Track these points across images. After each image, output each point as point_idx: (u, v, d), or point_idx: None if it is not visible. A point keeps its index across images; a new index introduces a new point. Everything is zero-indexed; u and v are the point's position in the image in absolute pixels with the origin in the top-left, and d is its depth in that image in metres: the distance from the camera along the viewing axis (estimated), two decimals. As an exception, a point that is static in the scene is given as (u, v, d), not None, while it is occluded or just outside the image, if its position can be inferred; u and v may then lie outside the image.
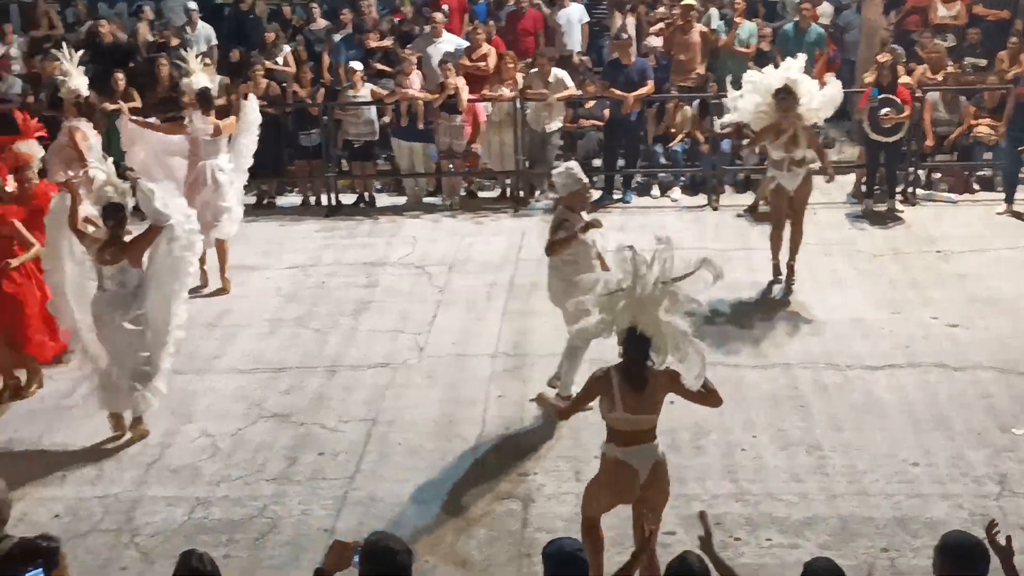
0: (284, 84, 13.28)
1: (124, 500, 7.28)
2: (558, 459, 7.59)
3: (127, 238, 7.79)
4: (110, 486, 7.46)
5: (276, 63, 13.75)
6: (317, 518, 7.03)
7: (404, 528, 6.65)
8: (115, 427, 8.06)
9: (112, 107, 12.12)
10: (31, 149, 9.08)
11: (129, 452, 7.86)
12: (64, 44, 11.27)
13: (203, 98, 10.46)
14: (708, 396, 5.77)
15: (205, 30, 14.77)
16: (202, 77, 10.81)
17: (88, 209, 7.99)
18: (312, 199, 13.55)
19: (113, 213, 7.69)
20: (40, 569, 4.27)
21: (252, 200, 13.34)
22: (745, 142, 12.33)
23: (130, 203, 7.88)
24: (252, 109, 10.87)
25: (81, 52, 11.09)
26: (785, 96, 9.76)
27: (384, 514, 7.00)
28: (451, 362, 8.96)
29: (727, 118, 10.96)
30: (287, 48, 14.07)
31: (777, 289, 10.33)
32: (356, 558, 4.26)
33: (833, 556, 4.78)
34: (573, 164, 8.35)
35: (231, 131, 10.68)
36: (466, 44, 13.78)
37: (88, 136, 10.37)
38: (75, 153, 10.19)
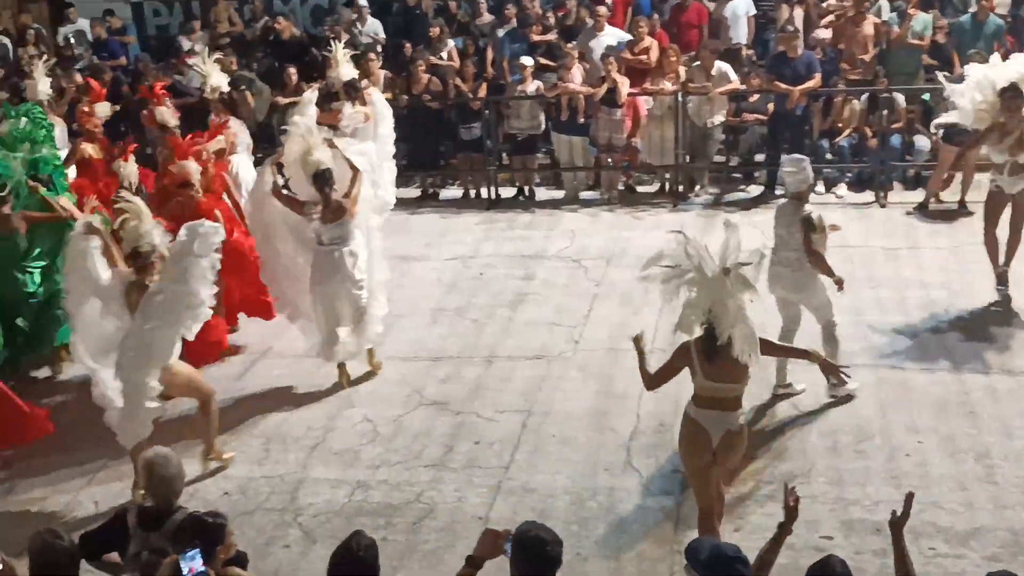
0: (447, 79, 13.50)
1: (289, 480, 7.55)
2: (713, 457, 7.51)
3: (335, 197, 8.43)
4: (276, 466, 7.75)
5: (440, 58, 14.01)
6: (472, 506, 7.15)
7: (555, 519, 6.68)
8: (344, 378, 8.79)
9: (285, 101, 12.57)
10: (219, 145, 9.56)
11: (294, 434, 8.15)
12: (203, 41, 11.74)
13: (351, 88, 10.85)
14: (805, 352, 6.32)
15: (373, 25, 15.15)
16: (348, 69, 11.18)
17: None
18: (473, 192, 13.76)
19: (323, 178, 8.33)
20: (198, 550, 4.44)
21: (416, 193, 13.67)
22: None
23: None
24: (379, 99, 11.17)
25: (201, 49, 11.62)
26: (1014, 94, 8.93)
27: (536, 504, 7.07)
28: (606, 355, 8.96)
29: (945, 118, 9.98)
30: (451, 43, 14.31)
31: (996, 296, 9.57)
32: (507, 547, 4.32)
33: (1004, 569, 4.61)
34: (804, 157, 8.25)
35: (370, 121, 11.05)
36: (629, 38, 13.73)
37: (235, 130, 10.84)
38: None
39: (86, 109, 10.46)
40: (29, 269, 8.85)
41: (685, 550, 4.49)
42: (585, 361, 8.99)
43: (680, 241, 5.82)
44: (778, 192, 12.74)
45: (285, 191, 8.73)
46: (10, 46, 15.72)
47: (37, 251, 8.92)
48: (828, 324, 8.07)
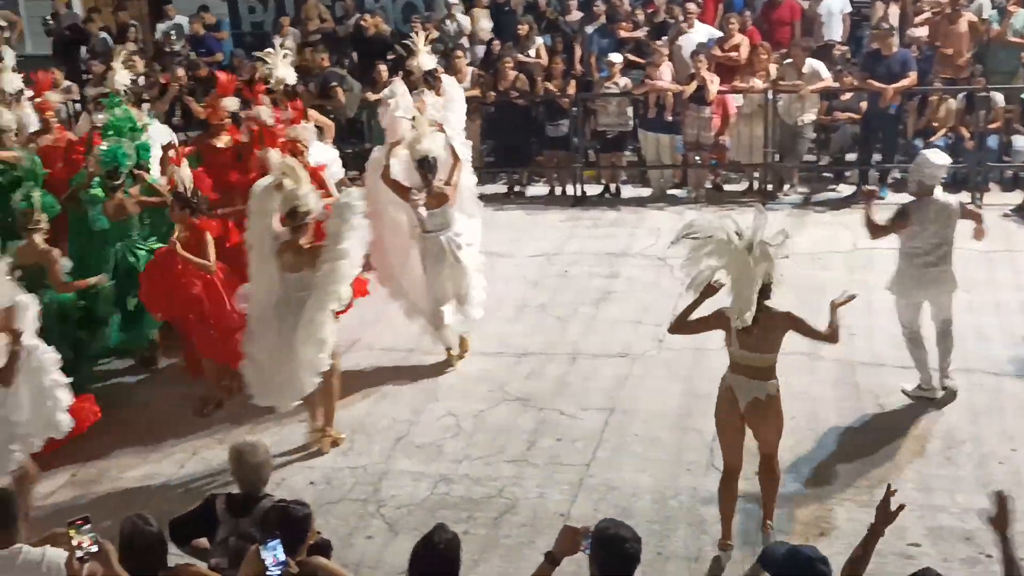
0: (535, 76, 13.51)
1: (372, 472, 7.64)
2: (798, 461, 7.41)
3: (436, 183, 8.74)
4: (360, 458, 7.85)
5: (528, 55, 14.04)
6: (553, 502, 7.16)
7: (637, 518, 6.67)
8: (451, 356, 9.14)
9: (375, 97, 12.70)
10: (303, 134, 9.70)
11: (379, 426, 8.25)
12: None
13: (431, 78, 10.96)
14: (827, 335, 6.17)
15: (463, 22, 15.25)
16: (428, 59, 11.29)
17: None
18: (559, 189, 13.75)
19: (427, 165, 8.67)
20: (278, 540, 4.50)
21: (502, 189, 13.71)
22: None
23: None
24: (452, 85, 11.17)
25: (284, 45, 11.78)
26: None
27: (618, 502, 7.06)
28: (690, 355, 8.89)
29: None
30: (539, 40, 14.32)
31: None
32: (586, 544, 4.32)
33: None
34: (943, 154, 8.28)
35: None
36: (719, 34, 13.61)
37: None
38: None
39: (212, 103, 10.70)
40: (140, 250, 9.09)
41: (760, 556, 4.44)
42: (669, 360, 8.94)
43: (710, 215, 6.11)
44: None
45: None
46: (110, 42, 16.14)
47: (147, 234, 9.23)
48: (947, 321, 8.00)
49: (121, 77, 11.44)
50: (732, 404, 6.25)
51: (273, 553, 4.41)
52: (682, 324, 6.35)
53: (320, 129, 11.03)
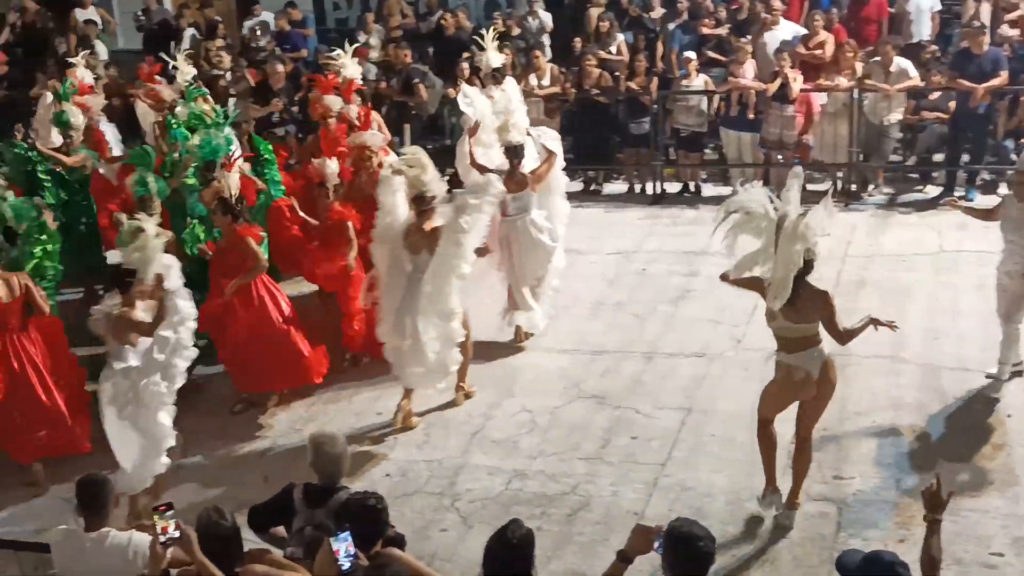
0: (616, 73, 13.47)
1: (448, 466, 7.69)
2: (879, 466, 7.30)
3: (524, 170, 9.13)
4: (435, 451, 7.90)
5: (610, 52, 13.99)
6: (627, 501, 7.14)
7: (712, 519, 6.60)
8: (519, 336, 9.37)
9: (456, 94, 12.76)
10: (371, 140, 9.69)
11: (455, 420, 8.30)
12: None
13: (499, 74, 11.06)
14: (841, 334, 6.38)
15: (543, 18, 15.25)
16: (496, 56, 11.39)
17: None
18: (638, 187, 13.70)
19: (514, 151, 9.09)
20: (348, 533, 4.56)
21: (579, 186, 13.68)
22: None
23: None
24: (511, 87, 11.28)
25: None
26: None
27: (693, 503, 7.01)
28: (768, 356, 8.76)
29: None
30: (621, 37, 14.27)
31: None
32: (658, 543, 4.29)
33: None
34: None
35: None
36: (804, 32, 13.43)
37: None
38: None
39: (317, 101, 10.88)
40: None
41: (836, 561, 4.38)
42: (747, 361, 8.85)
43: (749, 189, 6.51)
44: (957, 193, 12.26)
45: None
46: (197, 37, 16.44)
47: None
48: None
49: (187, 71, 11.74)
50: (805, 380, 6.49)
51: (344, 545, 4.46)
52: (740, 281, 6.81)
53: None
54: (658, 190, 13.37)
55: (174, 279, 7.14)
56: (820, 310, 6.36)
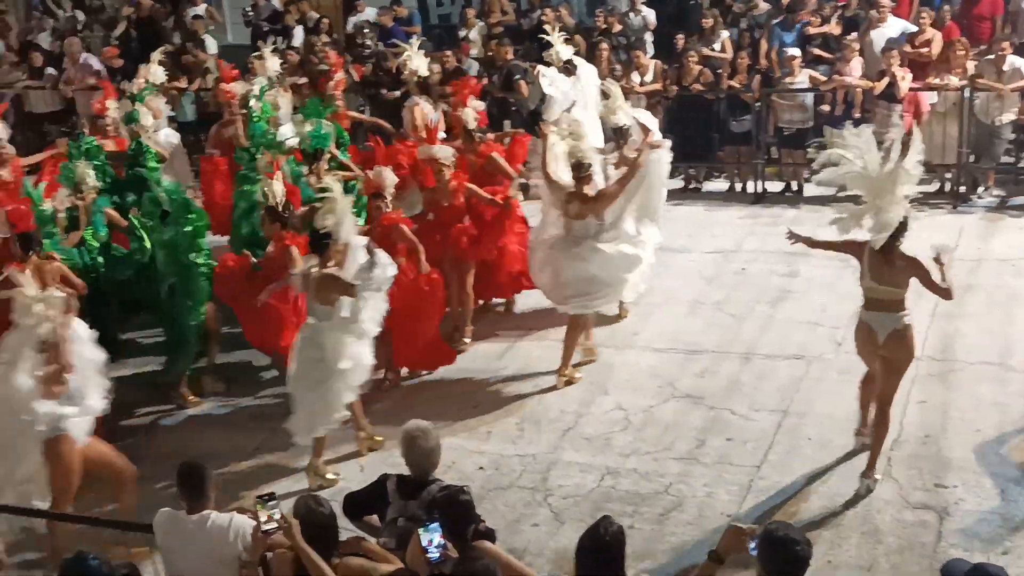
0: (719, 70, 13.33)
1: (541, 461, 7.71)
2: (982, 475, 7.11)
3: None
4: (529, 446, 7.93)
5: (713, 49, 13.86)
6: (721, 502, 7.07)
7: (807, 523, 6.53)
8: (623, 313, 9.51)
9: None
10: (440, 152, 9.51)
11: (548, 416, 8.32)
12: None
13: (569, 67, 11.17)
14: (943, 290, 6.66)
15: (646, 15, 15.16)
16: (567, 50, 11.54)
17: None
18: (738, 185, 13.55)
19: (621, 134, 9.27)
20: (437, 524, 4.61)
21: (679, 184, 13.59)
22: None
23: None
24: (587, 75, 11.51)
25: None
26: None
27: (788, 507, 6.92)
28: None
29: None
30: (725, 34, 14.12)
31: None
32: (752, 544, 4.26)
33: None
34: None
35: None
36: (914, 29, 13.12)
37: (426, 112, 11.10)
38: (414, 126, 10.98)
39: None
40: None
41: (942, 570, 4.29)
42: (847, 364, 8.67)
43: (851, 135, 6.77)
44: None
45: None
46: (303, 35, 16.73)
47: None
48: None
49: (272, 64, 12.01)
50: (868, 338, 6.90)
51: (433, 536, 4.52)
52: (815, 242, 7.25)
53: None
54: (759, 189, 13.20)
55: (357, 240, 7.53)
56: (915, 273, 6.66)
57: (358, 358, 7.41)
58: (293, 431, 7.46)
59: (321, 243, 7.32)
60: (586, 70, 11.55)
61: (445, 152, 9.34)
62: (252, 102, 10.82)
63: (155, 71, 12.75)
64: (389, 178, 8.70)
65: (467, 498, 4.98)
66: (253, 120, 10.55)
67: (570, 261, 8.54)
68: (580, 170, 8.50)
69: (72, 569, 4.59)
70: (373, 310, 7.47)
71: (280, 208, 8.31)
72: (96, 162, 9.56)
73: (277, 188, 8.33)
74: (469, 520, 4.95)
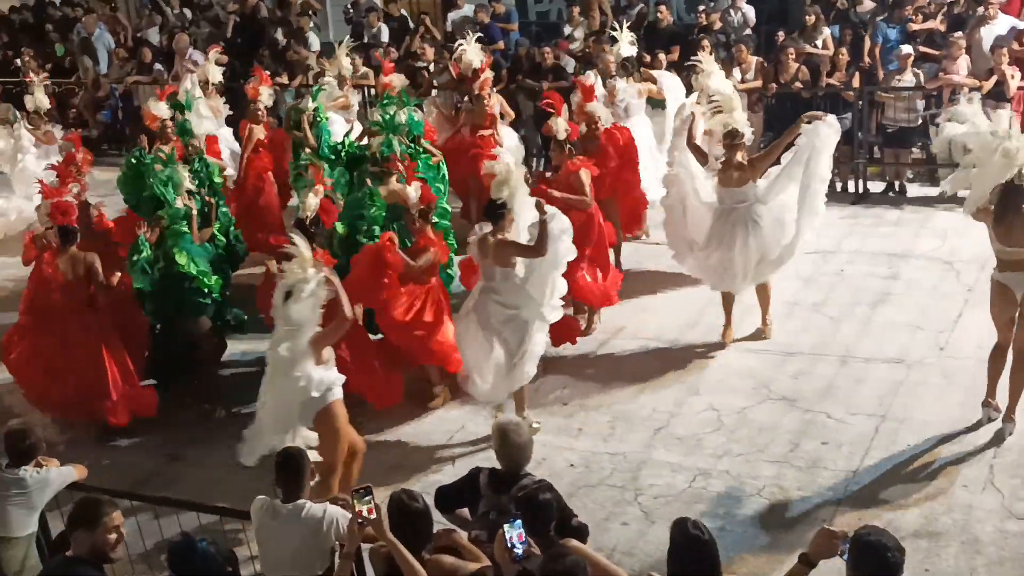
0: (820, 67, 13.11)
1: (631, 460, 7.69)
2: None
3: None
4: (620, 444, 7.91)
5: (815, 46, 13.64)
6: (815, 506, 6.97)
7: (903, 531, 6.40)
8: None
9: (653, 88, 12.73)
10: (598, 110, 10.01)
11: (640, 415, 8.29)
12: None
13: (628, 64, 11.08)
14: None
15: (746, 12, 14.99)
16: (628, 47, 11.72)
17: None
18: (839, 185, 13.29)
19: (733, 136, 8.93)
20: (519, 519, 4.63)
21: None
22: None
23: None
24: (668, 78, 11.77)
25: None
26: None
27: (884, 514, 6.78)
28: (974, 366, 8.36)
29: None
30: (827, 31, 13.89)
31: None
32: (844, 547, 4.19)
33: None
34: None
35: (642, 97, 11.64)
36: (1023, 26, 12.74)
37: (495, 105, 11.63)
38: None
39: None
40: None
41: None
42: (949, 369, 8.50)
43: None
44: None
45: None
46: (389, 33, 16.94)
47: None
48: None
49: (346, 62, 12.19)
50: (1005, 298, 7.30)
51: (517, 532, 4.55)
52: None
53: (502, 115, 11.87)
54: (860, 189, 12.96)
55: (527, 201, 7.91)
56: None
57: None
58: (485, 397, 8.04)
59: (496, 212, 7.75)
60: (665, 77, 11.76)
61: (601, 110, 10.38)
62: (312, 102, 10.92)
63: (213, 71, 12.99)
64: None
65: (547, 496, 4.98)
66: (319, 120, 10.67)
67: (742, 227, 8.80)
68: (733, 137, 8.82)
69: (181, 552, 4.73)
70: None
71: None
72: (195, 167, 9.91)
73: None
74: (550, 518, 4.96)
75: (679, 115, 9.88)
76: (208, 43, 16.66)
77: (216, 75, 13.11)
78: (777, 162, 8.97)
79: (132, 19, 19.99)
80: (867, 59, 13.62)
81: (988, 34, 12.64)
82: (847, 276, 10.55)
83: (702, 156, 9.25)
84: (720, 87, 9.41)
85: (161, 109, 10.87)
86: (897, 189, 12.95)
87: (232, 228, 10.28)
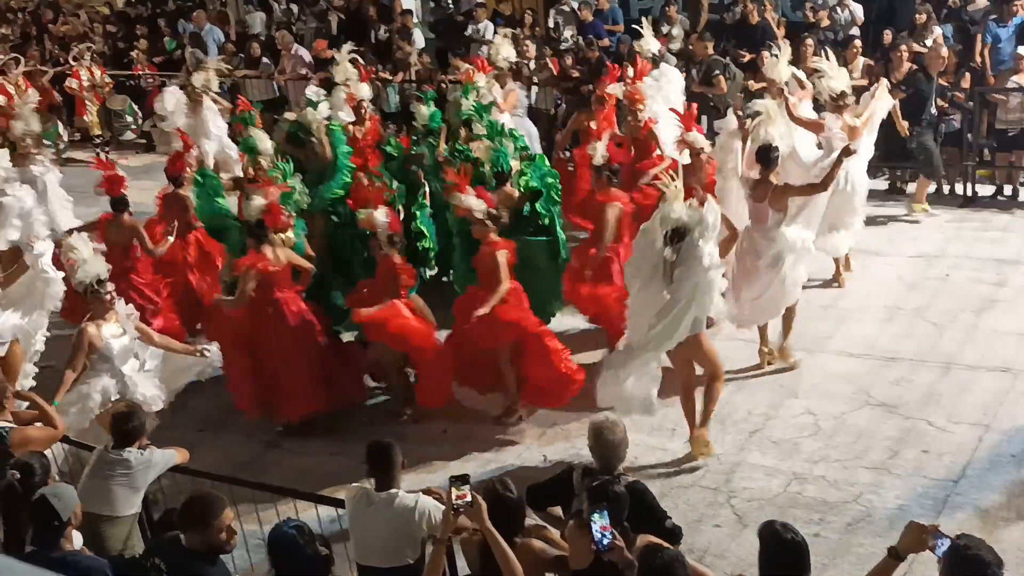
0: (929, 67, 12.78)
1: (725, 462, 7.62)
2: None
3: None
4: (714, 446, 7.83)
5: (924, 45, 13.31)
6: (913, 515, 6.77)
7: (1004, 544, 6.22)
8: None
9: (757, 86, 12.58)
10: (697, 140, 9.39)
11: (734, 417, 8.20)
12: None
13: (655, 60, 11.50)
14: None
15: (854, 10, 14.69)
16: (653, 42, 11.82)
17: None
18: (946, 187, 12.97)
19: (768, 152, 8.52)
20: (605, 511, 4.59)
21: (884, 185, 13.12)
22: None
23: None
24: (670, 71, 11.76)
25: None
26: None
27: (986, 527, 6.60)
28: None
29: None
30: (938, 30, 13.53)
31: None
32: (939, 543, 4.08)
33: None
34: None
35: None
36: None
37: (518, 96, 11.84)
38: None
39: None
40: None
41: None
42: (1058, 380, 8.26)
43: None
44: None
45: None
46: (492, 29, 16.94)
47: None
48: None
49: (507, 51, 12.22)
50: None
51: (602, 522, 4.52)
52: None
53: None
54: (969, 192, 12.62)
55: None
56: None
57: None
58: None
59: (770, 156, 8.36)
60: (669, 71, 11.74)
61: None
62: (464, 102, 10.45)
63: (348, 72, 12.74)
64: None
65: (619, 489, 4.91)
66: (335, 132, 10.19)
67: (762, 256, 8.50)
68: (770, 152, 8.53)
69: (275, 540, 4.86)
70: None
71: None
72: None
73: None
74: (622, 511, 4.85)
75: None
76: (313, 38, 16.94)
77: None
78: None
79: (238, 14, 20.39)
80: (978, 59, 13.25)
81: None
82: (952, 282, 10.30)
83: (816, 127, 9.64)
84: (836, 87, 9.60)
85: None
86: (1008, 193, 12.58)
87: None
